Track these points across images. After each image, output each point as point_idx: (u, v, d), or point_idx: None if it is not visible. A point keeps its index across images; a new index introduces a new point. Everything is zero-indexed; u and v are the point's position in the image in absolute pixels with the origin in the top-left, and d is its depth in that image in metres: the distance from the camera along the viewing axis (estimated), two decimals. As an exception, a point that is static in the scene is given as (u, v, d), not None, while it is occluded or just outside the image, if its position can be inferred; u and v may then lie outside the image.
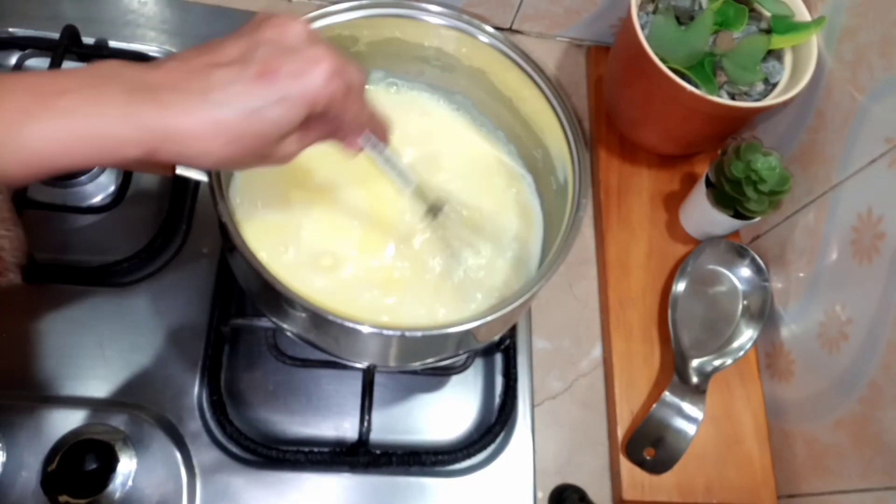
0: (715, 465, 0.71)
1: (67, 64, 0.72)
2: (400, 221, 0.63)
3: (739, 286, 0.77)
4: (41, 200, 0.68)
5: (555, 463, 0.69)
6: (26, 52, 0.75)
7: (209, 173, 0.51)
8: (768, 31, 0.73)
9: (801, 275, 0.72)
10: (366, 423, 0.62)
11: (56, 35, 0.72)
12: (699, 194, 0.75)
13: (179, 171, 0.53)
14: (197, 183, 0.72)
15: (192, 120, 0.37)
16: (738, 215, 0.72)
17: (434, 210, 0.57)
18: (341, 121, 0.45)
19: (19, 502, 0.57)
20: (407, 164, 0.55)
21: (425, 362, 0.62)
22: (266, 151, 0.42)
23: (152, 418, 0.62)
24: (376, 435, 0.64)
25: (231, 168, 0.54)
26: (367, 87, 0.46)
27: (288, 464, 0.63)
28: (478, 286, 0.62)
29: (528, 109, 0.64)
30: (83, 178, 0.70)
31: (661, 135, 0.79)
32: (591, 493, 0.67)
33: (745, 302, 0.76)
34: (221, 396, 0.65)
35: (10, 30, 0.75)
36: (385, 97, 0.69)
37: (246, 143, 0.40)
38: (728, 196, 0.71)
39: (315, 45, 0.41)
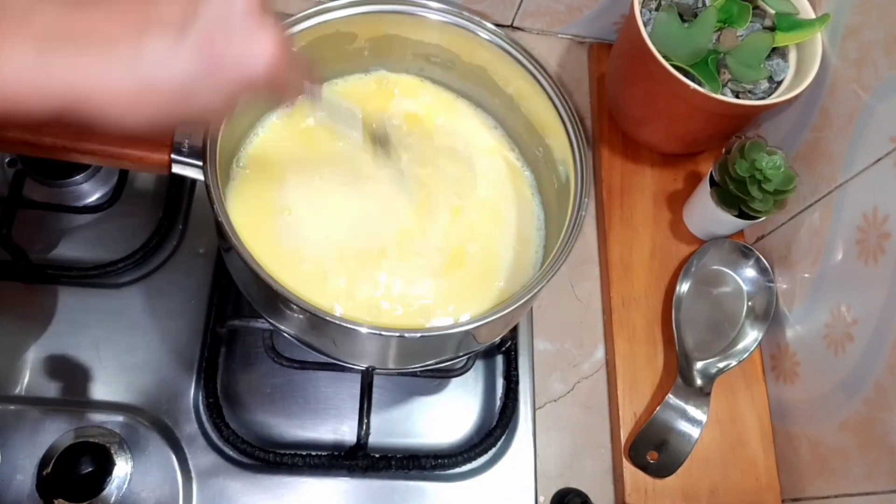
0: (719, 469, 0.70)
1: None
2: (400, 220, 0.62)
3: (744, 287, 0.76)
4: (36, 199, 0.67)
5: (556, 466, 0.69)
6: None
7: (206, 173, 0.51)
8: (772, 29, 0.72)
9: (807, 275, 0.71)
10: (364, 426, 0.61)
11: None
12: (703, 193, 0.74)
13: (176, 169, 0.52)
14: (194, 182, 0.72)
15: (113, 84, 0.33)
16: (742, 215, 0.72)
17: (382, 142, 0.57)
18: (279, 91, 0.43)
19: (14, 506, 0.57)
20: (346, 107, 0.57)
21: (425, 364, 0.61)
22: (190, 118, 0.38)
23: (148, 421, 0.62)
24: (375, 438, 0.63)
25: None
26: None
27: (285, 467, 0.63)
28: (478, 286, 0.62)
29: (529, 107, 0.64)
30: (79, 177, 0.69)
31: (664, 133, 0.79)
32: (594, 497, 0.66)
33: (749, 303, 0.75)
34: (218, 399, 0.64)
35: None
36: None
37: (171, 116, 0.36)
38: (732, 195, 0.71)
39: (262, 24, 0.37)
